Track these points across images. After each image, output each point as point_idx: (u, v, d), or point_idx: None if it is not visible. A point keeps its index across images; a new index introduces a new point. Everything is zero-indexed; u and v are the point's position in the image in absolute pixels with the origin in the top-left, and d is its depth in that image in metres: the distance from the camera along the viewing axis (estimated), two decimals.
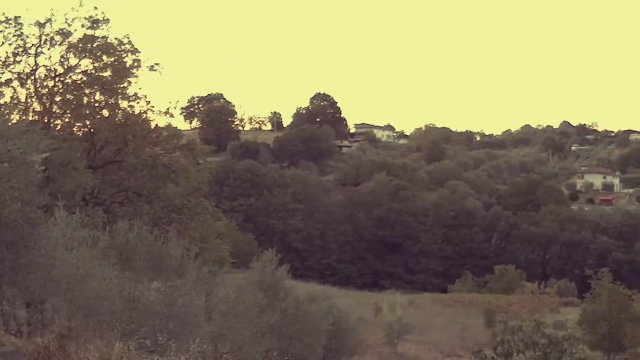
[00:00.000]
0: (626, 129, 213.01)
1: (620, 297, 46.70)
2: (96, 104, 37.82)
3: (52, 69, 36.17)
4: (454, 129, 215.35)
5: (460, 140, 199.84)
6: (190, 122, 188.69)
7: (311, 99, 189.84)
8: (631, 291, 48.21)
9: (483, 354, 30.32)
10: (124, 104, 38.09)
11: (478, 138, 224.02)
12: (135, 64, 37.88)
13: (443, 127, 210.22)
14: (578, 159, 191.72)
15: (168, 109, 38.96)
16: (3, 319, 13.59)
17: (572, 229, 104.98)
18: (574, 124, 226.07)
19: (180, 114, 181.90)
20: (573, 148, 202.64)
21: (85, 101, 37.23)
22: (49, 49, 36.08)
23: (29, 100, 35.75)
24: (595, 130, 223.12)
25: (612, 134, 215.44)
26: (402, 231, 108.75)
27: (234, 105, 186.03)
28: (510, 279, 77.89)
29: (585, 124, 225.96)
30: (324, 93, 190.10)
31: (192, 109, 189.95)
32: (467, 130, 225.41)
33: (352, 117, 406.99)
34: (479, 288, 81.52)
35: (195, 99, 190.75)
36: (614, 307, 45.46)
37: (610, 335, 44.63)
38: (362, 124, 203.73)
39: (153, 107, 37.85)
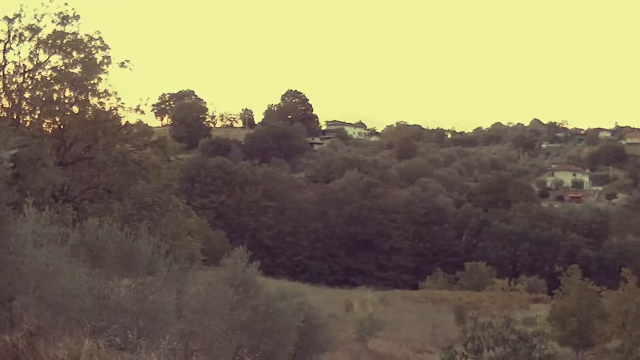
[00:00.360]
0: (596, 127, 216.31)
1: (589, 293, 47.58)
2: (66, 101, 37.55)
3: (21, 65, 35.88)
4: (425, 127, 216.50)
5: (432, 138, 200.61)
6: (162, 119, 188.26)
7: (282, 96, 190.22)
8: (600, 288, 49.13)
9: (453, 350, 30.65)
10: (94, 100, 37.84)
11: (449, 135, 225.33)
12: (106, 60, 37.65)
13: (414, 125, 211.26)
14: (548, 156, 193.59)
15: (139, 105, 38.83)
16: None
17: (543, 226, 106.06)
18: (545, 121, 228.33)
19: (152, 110, 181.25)
20: (543, 146, 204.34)
21: (54, 97, 36.96)
22: (18, 45, 35.80)
23: None
24: (565, 128, 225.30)
25: (582, 132, 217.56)
26: (373, 228, 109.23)
27: (205, 102, 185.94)
28: (480, 276, 78.45)
29: (555, 122, 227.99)
30: (296, 90, 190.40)
31: (163, 106, 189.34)
32: (438, 128, 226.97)
33: (324, 114, 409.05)
34: (449, 285, 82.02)
35: (166, 96, 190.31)
36: (583, 304, 46.24)
37: (580, 331, 45.44)
38: (333, 121, 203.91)
39: (123, 103, 37.71)
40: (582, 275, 50.06)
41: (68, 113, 37.36)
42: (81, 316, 21.37)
